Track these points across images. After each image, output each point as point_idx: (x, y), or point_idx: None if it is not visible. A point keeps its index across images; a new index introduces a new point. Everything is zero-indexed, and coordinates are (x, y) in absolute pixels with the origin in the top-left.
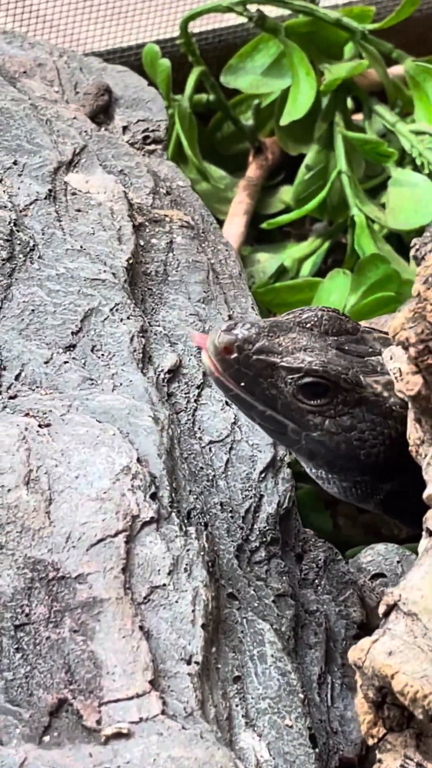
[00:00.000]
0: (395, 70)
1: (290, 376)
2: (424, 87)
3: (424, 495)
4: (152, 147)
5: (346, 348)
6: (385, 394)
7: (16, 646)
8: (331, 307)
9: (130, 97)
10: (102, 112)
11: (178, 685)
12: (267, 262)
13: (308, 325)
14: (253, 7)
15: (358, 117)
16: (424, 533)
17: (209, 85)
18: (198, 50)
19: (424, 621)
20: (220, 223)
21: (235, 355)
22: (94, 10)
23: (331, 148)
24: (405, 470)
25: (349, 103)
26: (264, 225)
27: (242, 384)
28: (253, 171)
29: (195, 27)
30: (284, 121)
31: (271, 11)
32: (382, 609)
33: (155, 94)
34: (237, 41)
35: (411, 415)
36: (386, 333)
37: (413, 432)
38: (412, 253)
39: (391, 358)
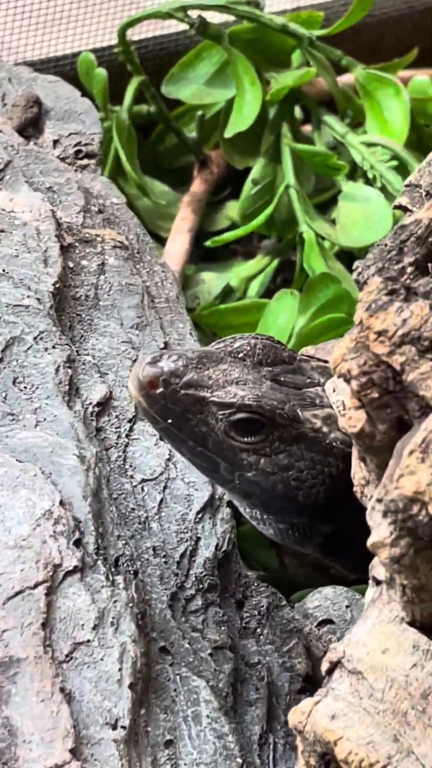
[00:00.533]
0: (345, 79)
1: (221, 412)
2: (375, 96)
3: (369, 542)
4: (85, 162)
5: (282, 379)
6: (325, 429)
7: None
8: (265, 335)
9: (61, 109)
10: (31, 125)
11: (102, 752)
12: (212, 281)
13: (240, 355)
14: (194, 13)
15: (307, 128)
16: (370, 582)
17: (150, 95)
18: (137, 59)
19: (370, 680)
20: (163, 241)
21: (161, 389)
22: (26, 17)
23: (278, 161)
24: (346, 510)
25: (298, 113)
26: (208, 243)
27: (169, 420)
28: (197, 186)
29: (134, 34)
30: (229, 132)
31: (214, 17)
32: (325, 666)
33: (89, 106)
34: (179, 49)
35: (355, 453)
36: (326, 361)
37: (357, 471)
38: (353, 276)
39: (333, 391)
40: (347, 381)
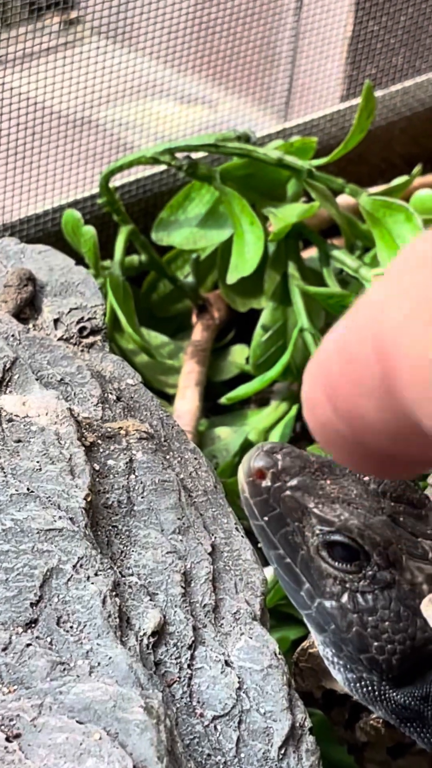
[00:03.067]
0: (345, 201)
1: (319, 527)
2: (384, 223)
3: None
4: (91, 339)
5: (401, 519)
6: (425, 587)
7: None
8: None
9: (57, 282)
10: (27, 306)
11: None
12: (229, 438)
13: (366, 478)
14: (181, 155)
15: (306, 253)
16: None
17: (139, 244)
18: (123, 207)
19: None
20: (170, 398)
21: (267, 482)
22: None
23: (287, 302)
24: (425, 680)
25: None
26: (223, 400)
27: (266, 518)
28: (199, 333)
29: (115, 180)
30: (231, 279)
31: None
32: None
33: (86, 275)
34: (163, 189)
35: None
36: None
37: None
38: None
39: None
40: None
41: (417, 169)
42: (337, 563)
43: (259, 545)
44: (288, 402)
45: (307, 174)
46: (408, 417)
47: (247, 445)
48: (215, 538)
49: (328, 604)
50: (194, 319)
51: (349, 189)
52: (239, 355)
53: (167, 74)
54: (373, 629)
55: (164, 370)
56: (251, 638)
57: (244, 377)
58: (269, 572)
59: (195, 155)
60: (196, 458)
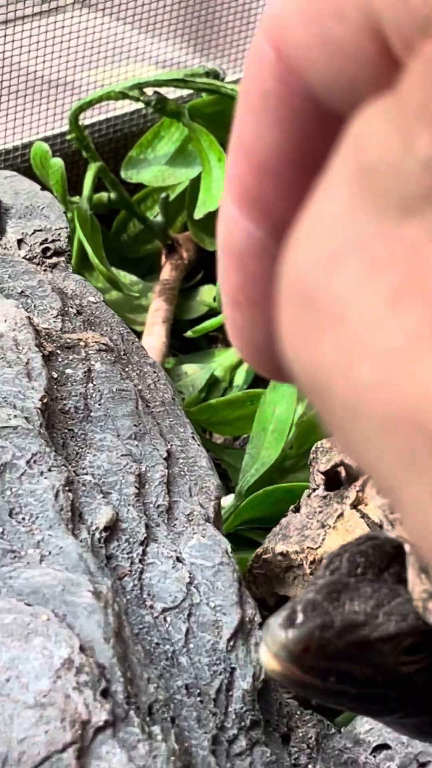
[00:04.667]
0: None
1: (387, 646)
2: None
3: None
4: (54, 260)
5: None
6: None
7: None
8: (365, 535)
9: (22, 206)
10: None
11: None
12: (195, 374)
13: (359, 571)
14: (149, 90)
15: None
16: None
17: (108, 182)
18: (92, 144)
19: None
20: (138, 335)
21: (316, 650)
22: None
23: None
24: None
25: None
26: (189, 333)
27: (332, 678)
28: (167, 272)
29: (86, 118)
30: (198, 214)
31: (170, 92)
32: None
33: (51, 200)
34: (134, 129)
35: (412, 563)
36: None
37: (417, 584)
38: None
39: (378, 493)
40: None
41: None
42: (416, 656)
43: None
44: None
45: None
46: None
47: (213, 381)
48: (171, 445)
49: (421, 695)
50: (163, 259)
51: None
52: (207, 294)
53: (146, 40)
54: None
55: (132, 308)
56: (203, 537)
57: (212, 317)
58: (229, 499)
59: (165, 93)
60: (155, 371)
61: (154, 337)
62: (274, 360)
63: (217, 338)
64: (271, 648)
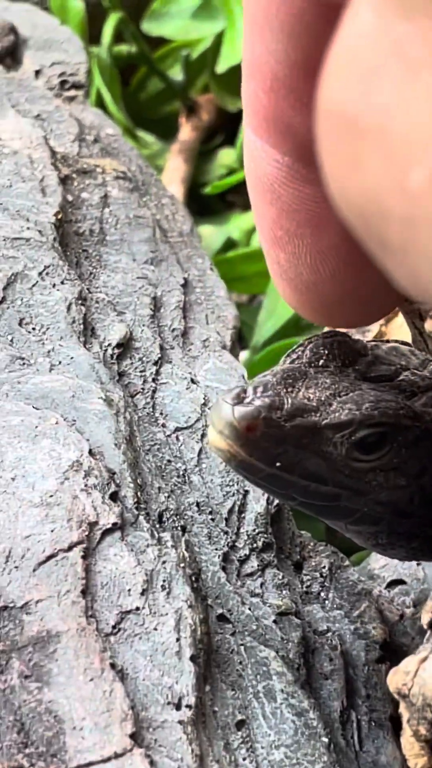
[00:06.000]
0: None
1: (339, 435)
2: None
3: None
4: (72, 93)
5: (372, 376)
6: None
7: None
8: (331, 331)
9: (40, 38)
10: (8, 55)
11: (167, 737)
12: (212, 236)
13: (321, 363)
14: None
15: None
16: None
17: (129, 33)
18: None
19: None
20: None
21: (262, 430)
22: None
23: None
24: None
25: None
26: (208, 189)
27: (278, 464)
28: (186, 133)
29: None
30: (221, 68)
31: None
32: (426, 618)
33: (70, 34)
34: None
35: None
36: (396, 341)
37: None
38: None
39: None
40: None
41: None
42: (371, 455)
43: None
44: None
45: None
46: None
47: (229, 244)
48: (189, 274)
49: (382, 495)
50: (182, 120)
51: None
52: (227, 157)
53: None
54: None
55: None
56: (219, 361)
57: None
58: (244, 354)
59: None
60: (173, 204)
61: None
62: (322, 298)
63: (234, 203)
64: (216, 426)
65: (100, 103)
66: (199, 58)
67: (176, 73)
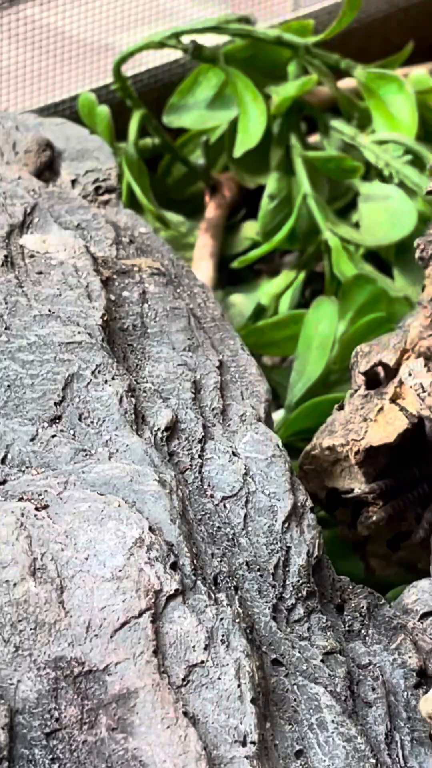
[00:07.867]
0: (344, 84)
1: None
2: (379, 94)
3: None
4: (106, 197)
5: None
6: None
7: (50, 756)
8: None
9: (74, 149)
10: (47, 169)
11: None
12: (243, 304)
13: None
14: (186, 39)
15: (313, 138)
16: None
17: (152, 128)
18: (135, 93)
19: None
20: None
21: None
22: (17, 68)
23: (291, 173)
24: None
25: (302, 126)
26: (235, 264)
27: None
28: (212, 211)
29: (128, 70)
30: (237, 152)
31: (206, 40)
32: None
33: (100, 142)
34: (174, 79)
35: None
36: None
37: None
38: (417, 254)
39: (410, 375)
40: (428, 358)
41: (408, 47)
42: None
43: None
44: (296, 270)
45: (305, 51)
46: None
47: (259, 310)
48: (223, 356)
49: None
50: (207, 199)
51: (344, 63)
52: (250, 229)
53: (178, 1)
54: None
55: (180, 246)
56: (256, 434)
57: (256, 249)
58: (280, 414)
59: (201, 41)
60: (204, 292)
61: (202, 272)
62: None
63: (262, 271)
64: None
65: (130, 192)
66: (217, 141)
67: (197, 157)
